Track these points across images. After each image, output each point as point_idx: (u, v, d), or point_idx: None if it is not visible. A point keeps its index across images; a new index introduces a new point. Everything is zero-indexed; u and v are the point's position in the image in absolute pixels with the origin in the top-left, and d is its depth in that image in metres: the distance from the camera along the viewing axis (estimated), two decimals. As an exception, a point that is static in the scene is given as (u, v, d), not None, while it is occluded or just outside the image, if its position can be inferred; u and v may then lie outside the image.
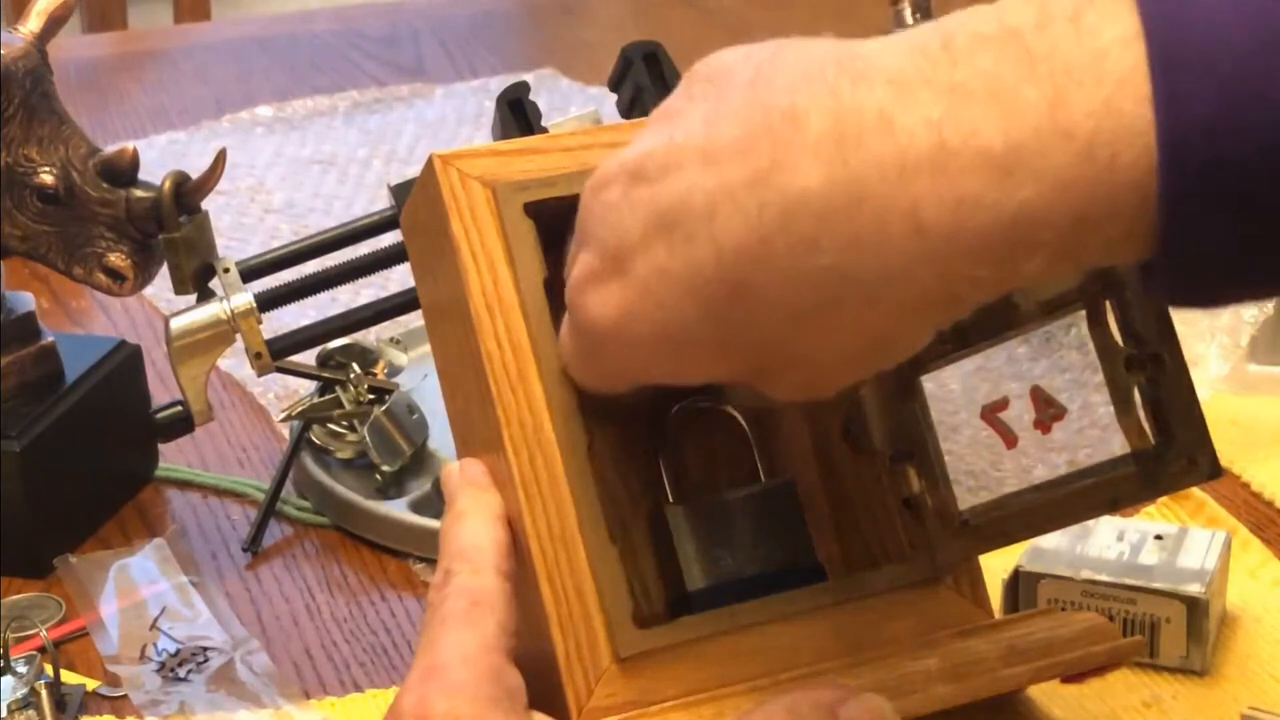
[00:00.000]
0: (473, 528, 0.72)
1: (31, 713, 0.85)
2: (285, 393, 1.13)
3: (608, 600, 0.73)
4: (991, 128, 0.55)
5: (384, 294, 0.99)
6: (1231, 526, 0.95)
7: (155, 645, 0.91)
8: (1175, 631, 0.85)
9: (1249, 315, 1.07)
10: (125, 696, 0.89)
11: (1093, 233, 0.55)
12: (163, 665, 0.90)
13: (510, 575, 0.71)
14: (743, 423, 0.80)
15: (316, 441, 1.05)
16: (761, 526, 0.77)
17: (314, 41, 1.71)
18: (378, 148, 1.49)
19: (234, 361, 1.13)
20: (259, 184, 1.43)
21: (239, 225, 1.37)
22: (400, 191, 0.93)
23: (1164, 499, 0.96)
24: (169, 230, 0.95)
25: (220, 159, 0.96)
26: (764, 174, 0.59)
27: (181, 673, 0.89)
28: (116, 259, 0.96)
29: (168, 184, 0.95)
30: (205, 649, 0.91)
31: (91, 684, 0.90)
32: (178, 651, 0.91)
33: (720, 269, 0.60)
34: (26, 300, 1.03)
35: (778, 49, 0.63)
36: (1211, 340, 1.07)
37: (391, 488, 1.02)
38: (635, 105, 0.97)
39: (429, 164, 0.77)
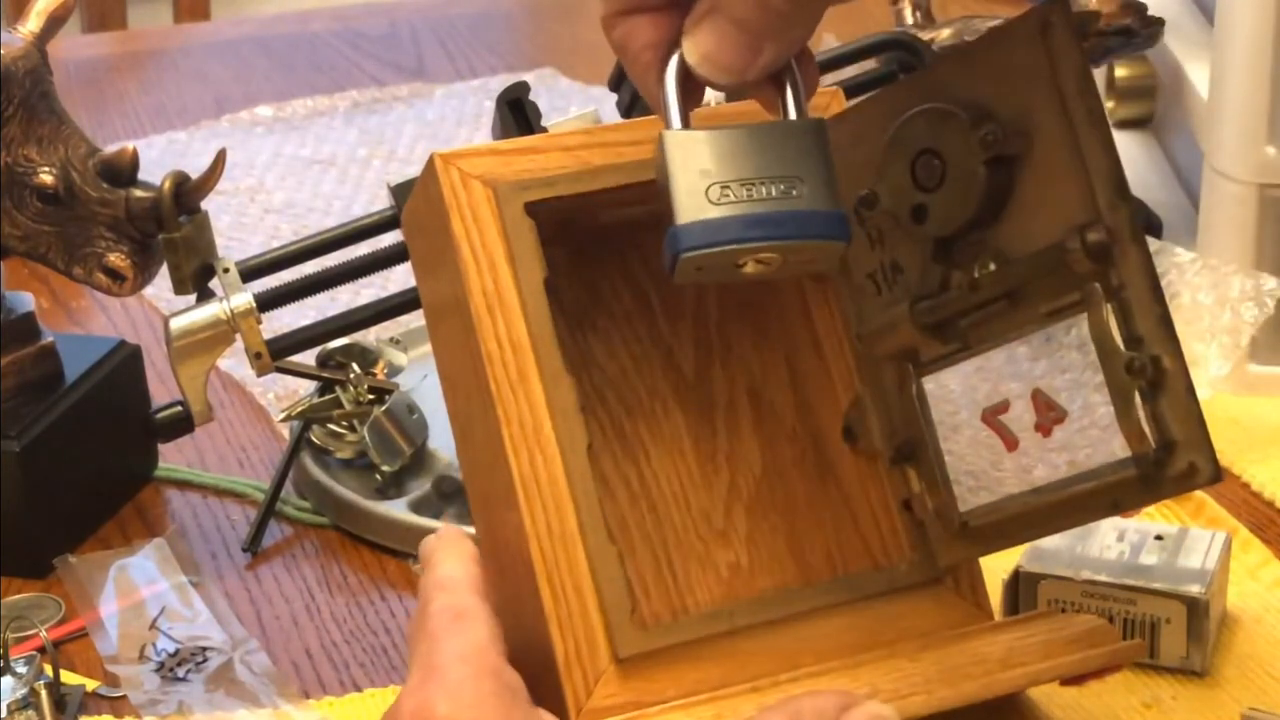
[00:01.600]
0: (447, 564, 0.73)
1: (31, 713, 0.85)
2: (285, 393, 1.13)
3: (607, 600, 0.73)
4: None
5: (384, 294, 0.99)
6: (1232, 527, 0.95)
7: (154, 645, 0.91)
8: (1175, 632, 0.85)
9: (1249, 315, 1.07)
10: (124, 697, 0.89)
11: None
12: (161, 665, 0.90)
13: (487, 599, 0.72)
14: None
15: (316, 441, 1.05)
16: (780, 162, 0.70)
17: (314, 41, 1.71)
18: (378, 148, 1.49)
19: (234, 361, 1.13)
20: (259, 184, 1.43)
21: (239, 225, 1.37)
22: (400, 191, 0.93)
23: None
24: (169, 230, 0.95)
25: (220, 159, 0.96)
26: None
27: (180, 673, 0.89)
28: (116, 259, 0.96)
29: (167, 184, 0.95)
30: (204, 649, 0.91)
31: (91, 684, 0.90)
32: (177, 652, 0.91)
33: None
34: (26, 300, 1.03)
35: None
36: (1211, 340, 1.07)
37: (391, 488, 1.02)
38: (635, 105, 0.97)
39: (429, 163, 0.77)
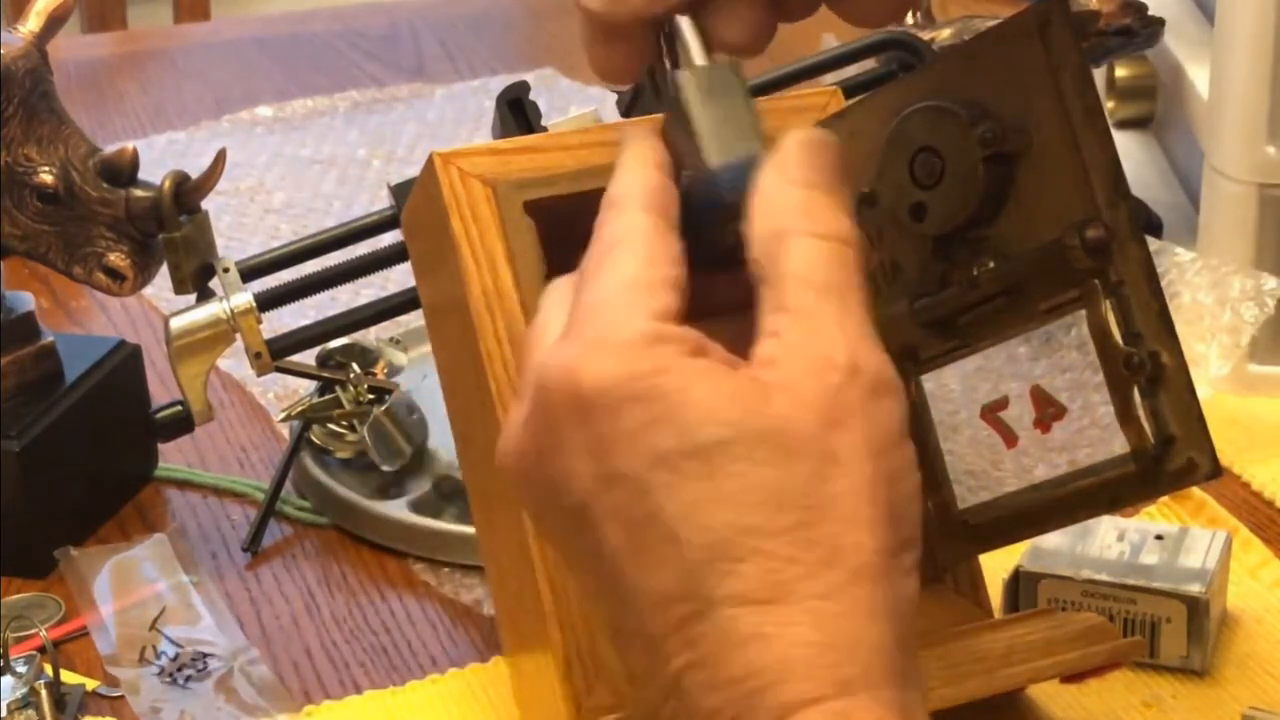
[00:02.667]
0: (624, 176, 0.63)
1: (31, 713, 0.85)
2: (285, 393, 1.13)
3: (607, 600, 0.73)
4: None
5: (384, 294, 0.99)
6: (1232, 526, 0.95)
7: (155, 647, 0.91)
8: (1176, 631, 0.85)
9: (1249, 315, 1.07)
10: (124, 697, 0.89)
11: None
12: (162, 670, 0.90)
13: (660, 211, 0.62)
14: None
15: (316, 441, 1.05)
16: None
17: (314, 41, 1.71)
18: (378, 148, 1.49)
19: (234, 361, 1.13)
20: (259, 184, 1.43)
21: (239, 225, 1.37)
22: (400, 191, 0.93)
23: (1164, 499, 0.96)
24: (169, 230, 0.95)
25: (220, 159, 0.96)
26: None
27: (180, 679, 0.89)
28: (116, 259, 0.96)
29: (167, 184, 0.95)
30: (205, 654, 0.91)
31: (91, 684, 0.89)
32: (176, 655, 0.91)
33: None
34: (26, 300, 1.03)
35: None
36: (1211, 340, 1.07)
37: (391, 488, 1.02)
38: (635, 105, 0.97)
39: (429, 163, 0.77)
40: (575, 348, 0.59)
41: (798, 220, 0.60)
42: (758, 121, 0.64)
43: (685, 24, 0.65)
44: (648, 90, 0.69)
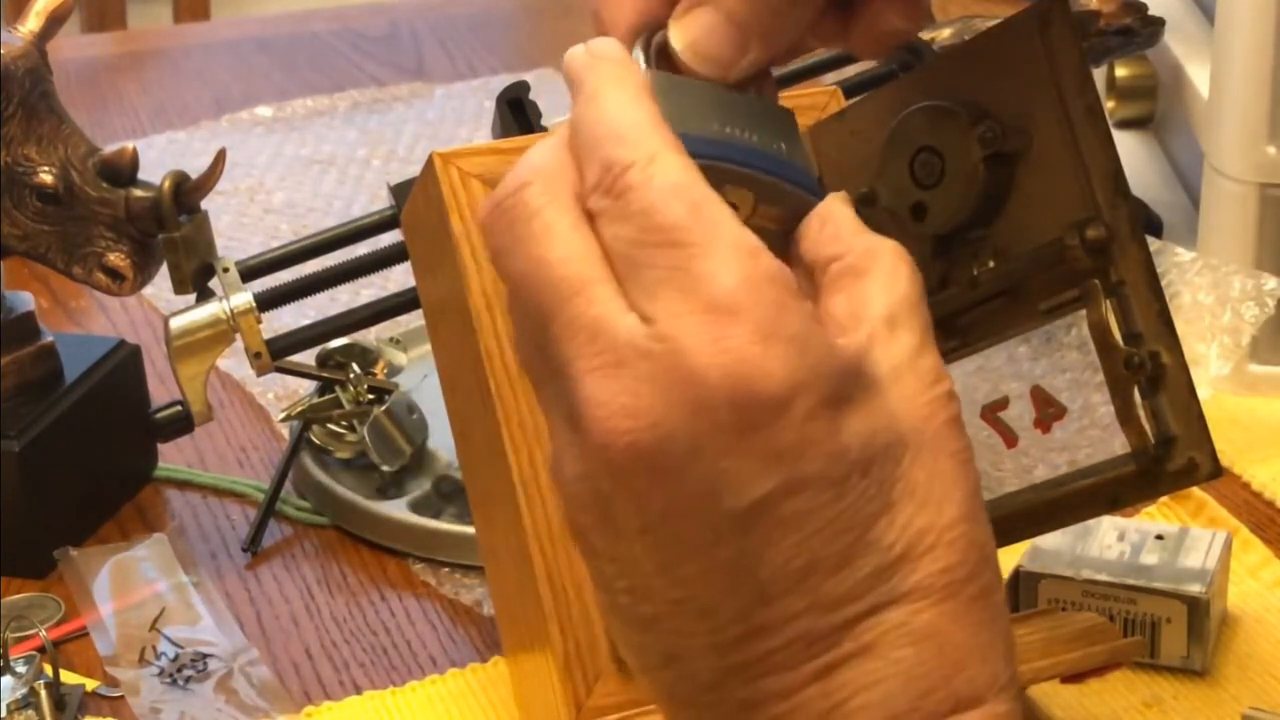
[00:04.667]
0: (615, 105, 0.56)
1: (31, 713, 0.85)
2: (285, 393, 1.13)
3: (607, 600, 0.73)
4: None
5: (384, 294, 0.99)
6: (1232, 526, 0.95)
7: (155, 648, 0.91)
8: (1176, 631, 0.85)
9: (1249, 315, 1.07)
10: (124, 697, 0.89)
11: None
12: (162, 670, 0.90)
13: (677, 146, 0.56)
14: None
15: (316, 441, 1.05)
16: (760, 124, 0.64)
17: (313, 41, 1.71)
18: (378, 148, 1.49)
19: (234, 361, 1.13)
20: (259, 184, 1.43)
21: (239, 225, 1.37)
22: (400, 191, 0.93)
23: (1164, 499, 0.96)
24: (168, 230, 0.95)
25: (220, 159, 0.96)
26: None
27: (180, 679, 0.89)
28: (116, 259, 0.96)
29: (167, 184, 0.95)
30: (205, 655, 0.91)
31: (91, 684, 0.89)
32: (176, 656, 0.91)
33: None
34: (26, 300, 1.03)
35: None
36: (1211, 340, 1.07)
37: (391, 488, 1.02)
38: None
39: (429, 162, 0.77)
40: (740, 339, 0.53)
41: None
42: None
43: (640, 56, 0.62)
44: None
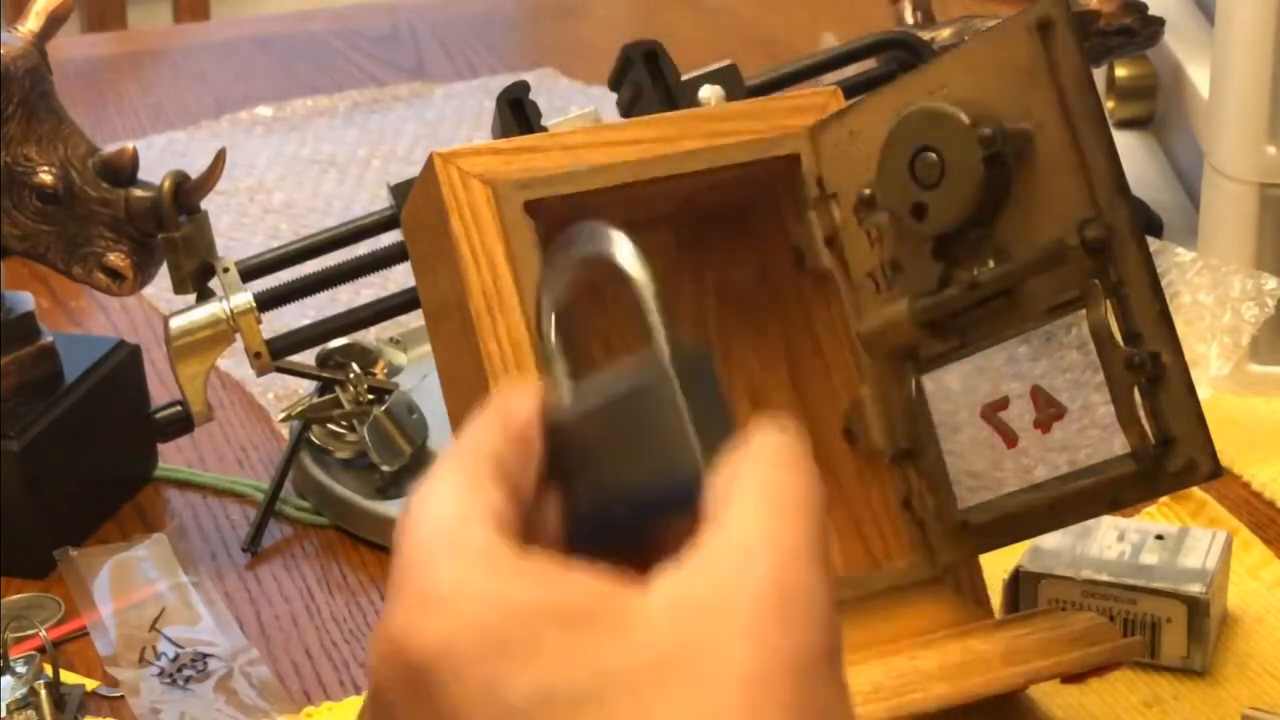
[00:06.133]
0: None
1: (31, 713, 0.85)
2: (285, 393, 1.13)
3: (607, 600, 0.73)
4: None
5: (384, 294, 0.99)
6: (1232, 526, 0.95)
7: (154, 648, 0.91)
8: (1176, 631, 0.85)
9: (1249, 315, 1.07)
10: (124, 697, 0.89)
11: None
12: (162, 670, 0.90)
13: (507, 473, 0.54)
14: None
15: (316, 441, 1.05)
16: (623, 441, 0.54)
17: (313, 41, 1.71)
18: (377, 148, 1.49)
19: (234, 361, 1.13)
20: (259, 184, 1.43)
21: (239, 225, 1.37)
22: (400, 191, 0.93)
23: (1165, 499, 0.96)
24: (168, 230, 0.95)
25: (219, 159, 0.96)
26: None
27: (180, 679, 0.89)
28: (116, 259, 0.96)
29: (167, 184, 0.95)
30: (205, 655, 0.91)
31: (91, 684, 0.89)
32: (176, 656, 0.91)
33: None
34: (26, 300, 1.03)
35: None
36: (1211, 340, 1.07)
37: (391, 488, 1.02)
38: (635, 105, 0.97)
39: (429, 163, 0.77)
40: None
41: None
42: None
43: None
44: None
